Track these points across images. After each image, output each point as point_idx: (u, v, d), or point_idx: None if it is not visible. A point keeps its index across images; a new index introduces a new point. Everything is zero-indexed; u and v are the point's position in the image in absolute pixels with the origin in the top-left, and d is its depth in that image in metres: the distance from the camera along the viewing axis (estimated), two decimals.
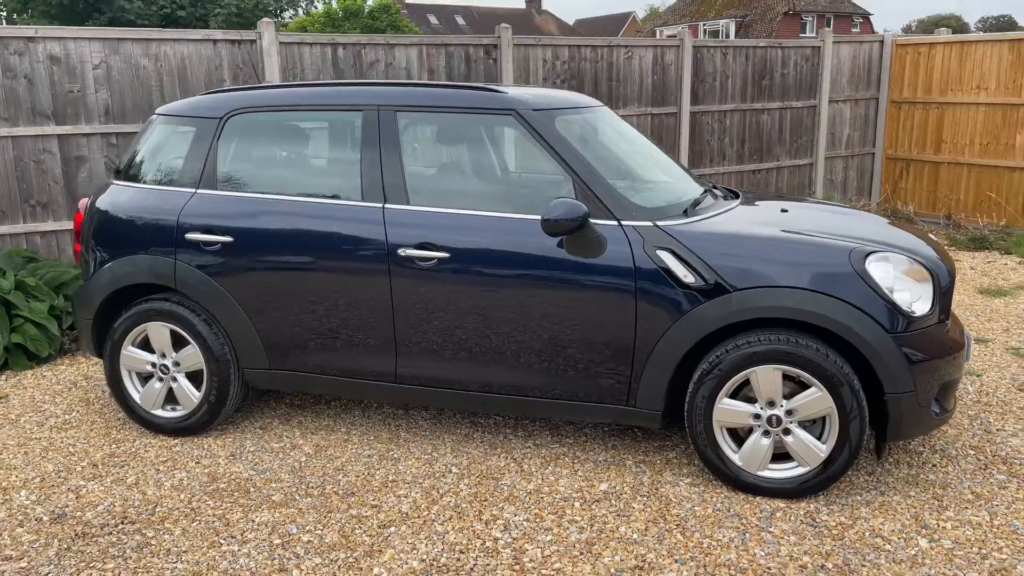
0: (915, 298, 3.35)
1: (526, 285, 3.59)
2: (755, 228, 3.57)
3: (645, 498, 3.50)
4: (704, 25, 43.75)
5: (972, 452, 3.89)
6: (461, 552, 3.13)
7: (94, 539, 3.27)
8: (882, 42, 9.84)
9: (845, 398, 3.30)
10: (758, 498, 3.47)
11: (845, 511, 3.37)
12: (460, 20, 51.35)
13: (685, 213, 3.67)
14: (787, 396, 3.41)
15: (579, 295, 3.53)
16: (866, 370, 3.40)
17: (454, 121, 3.94)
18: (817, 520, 3.31)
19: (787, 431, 3.42)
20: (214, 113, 4.07)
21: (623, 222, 3.52)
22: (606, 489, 3.59)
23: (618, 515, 3.38)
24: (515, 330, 3.65)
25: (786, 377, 3.39)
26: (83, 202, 4.35)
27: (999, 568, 2.98)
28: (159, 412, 4.19)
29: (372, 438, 4.14)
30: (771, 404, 3.42)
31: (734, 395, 3.47)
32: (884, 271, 3.33)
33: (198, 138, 4.08)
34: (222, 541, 3.24)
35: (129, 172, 4.28)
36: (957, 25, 50.06)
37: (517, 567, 3.03)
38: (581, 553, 3.11)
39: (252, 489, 3.65)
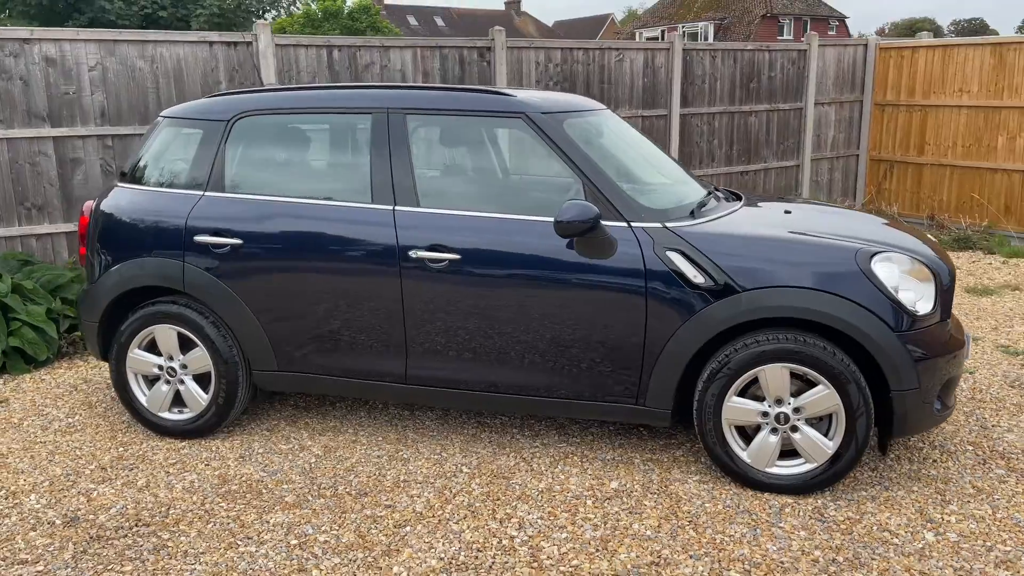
0: (918, 297, 3.43)
1: (536, 286, 3.63)
2: (762, 229, 3.64)
3: (656, 495, 3.56)
4: (683, 27, 44.04)
5: (970, 448, 3.98)
6: (479, 550, 3.17)
7: (109, 542, 3.27)
8: (866, 45, 9.99)
9: (852, 395, 3.38)
10: (766, 494, 3.54)
11: (852, 506, 3.44)
12: (439, 21, 51.34)
13: (692, 215, 3.73)
14: (794, 394, 3.48)
15: (590, 296, 3.58)
16: (870, 368, 3.48)
17: (464, 124, 3.98)
18: (825, 515, 3.38)
19: (795, 428, 3.49)
20: (222, 116, 4.08)
21: (633, 223, 3.58)
22: (617, 487, 3.64)
23: (630, 512, 3.43)
24: (524, 330, 3.69)
25: (793, 375, 3.46)
26: (87, 205, 4.33)
27: (1004, 560, 3.06)
28: (166, 415, 4.18)
29: (380, 439, 4.17)
30: (779, 402, 3.48)
31: (742, 393, 3.53)
32: (889, 271, 3.41)
33: (205, 140, 4.08)
34: (239, 542, 3.26)
35: (134, 175, 4.28)
36: (931, 28, 50.74)
37: (535, 564, 3.07)
38: (597, 550, 3.16)
39: (264, 491, 3.66)
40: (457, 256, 3.68)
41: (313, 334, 3.93)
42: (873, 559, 3.07)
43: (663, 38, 42.61)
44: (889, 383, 3.38)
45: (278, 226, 3.89)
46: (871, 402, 3.41)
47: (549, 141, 3.71)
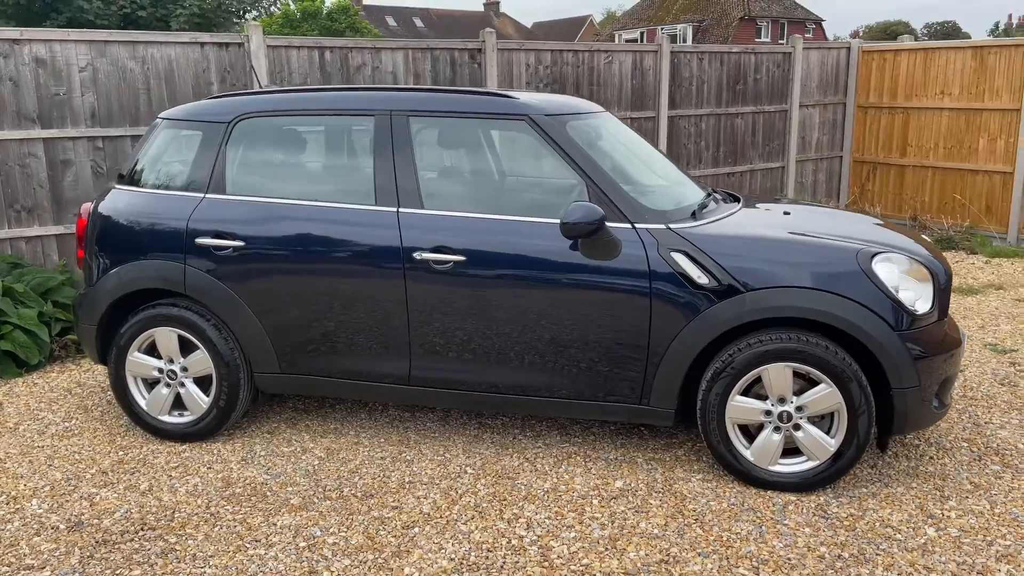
0: (917, 296, 3.49)
1: (539, 287, 3.65)
2: (764, 230, 3.69)
3: (661, 494, 3.59)
4: (662, 29, 44.27)
5: (965, 444, 4.06)
6: (489, 550, 3.19)
7: (116, 546, 3.25)
8: (849, 48, 10.11)
9: (854, 394, 3.43)
10: (769, 492, 3.58)
11: (854, 503, 3.50)
12: (418, 22, 51.26)
13: (693, 216, 3.77)
14: (797, 393, 3.53)
15: (594, 297, 3.60)
16: (870, 366, 3.54)
17: (467, 126, 3.99)
18: (828, 512, 3.43)
19: (797, 427, 3.53)
20: (222, 117, 4.06)
21: (637, 225, 3.61)
22: (622, 486, 3.67)
23: (636, 511, 3.46)
24: (528, 331, 3.71)
25: (795, 374, 3.50)
26: (85, 207, 4.30)
27: (1005, 554, 3.13)
28: (166, 418, 4.16)
29: (382, 440, 4.17)
30: (782, 400, 3.53)
31: (745, 392, 3.57)
32: (889, 271, 3.47)
33: (206, 142, 4.07)
34: (247, 545, 3.25)
35: (132, 177, 4.25)
36: (906, 31, 51.40)
37: (546, 564, 3.09)
38: (606, 549, 3.18)
39: (269, 493, 3.66)
40: (462, 257, 3.69)
41: (316, 336, 3.93)
42: (878, 555, 3.12)
43: (642, 40, 42.84)
44: (890, 381, 3.43)
45: (281, 228, 3.88)
46: (872, 400, 3.46)
47: (553, 143, 3.73)
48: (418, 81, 7.09)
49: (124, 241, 4.09)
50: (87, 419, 4.49)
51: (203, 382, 4.11)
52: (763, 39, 42.87)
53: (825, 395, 3.46)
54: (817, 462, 3.55)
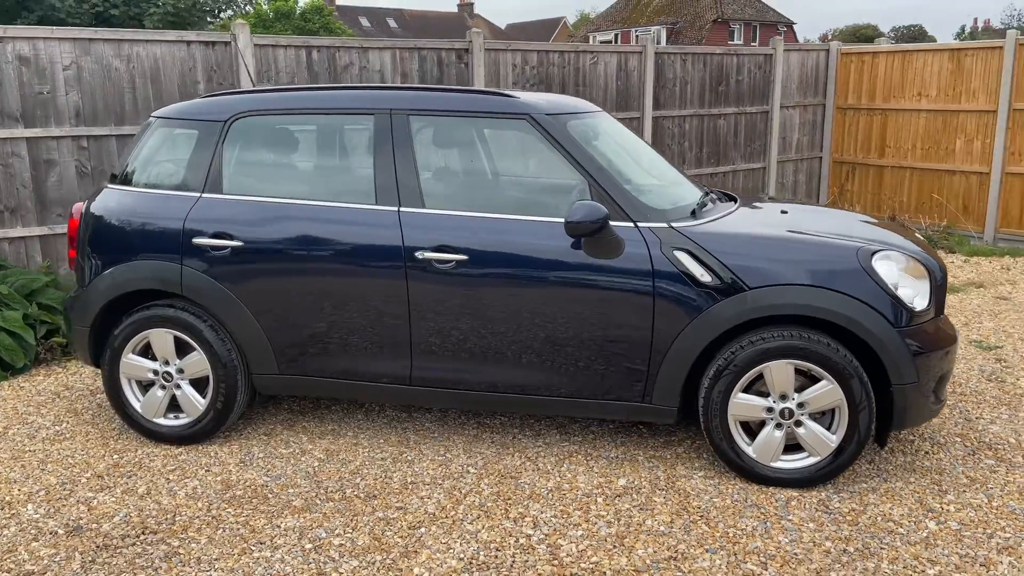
0: (915, 294, 3.54)
1: (543, 286, 3.65)
2: (764, 229, 3.72)
3: (664, 492, 3.61)
4: (636, 31, 44.51)
5: (959, 439, 4.12)
6: (497, 550, 3.18)
7: (118, 550, 3.20)
8: (828, 51, 10.24)
9: (854, 390, 3.47)
10: (771, 488, 3.61)
11: (855, 498, 3.54)
12: (392, 23, 51.08)
13: (693, 215, 3.79)
14: (798, 389, 3.56)
15: (597, 296, 3.61)
16: (870, 363, 3.58)
17: (467, 125, 3.98)
18: (830, 507, 3.46)
19: (799, 423, 3.57)
20: (218, 116, 4.02)
21: (639, 224, 3.62)
22: (625, 484, 3.68)
23: (641, 509, 3.47)
24: (529, 330, 3.71)
25: (797, 371, 3.54)
26: (77, 207, 4.23)
27: (1006, 546, 3.18)
28: (161, 420, 4.10)
29: (382, 441, 4.14)
30: (783, 397, 3.56)
31: (747, 390, 3.60)
32: (889, 268, 3.51)
33: (201, 141, 4.02)
34: (252, 548, 3.22)
35: (125, 176, 4.19)
36: (875, 34, 52.06)
37: (556, 562, 3.09)
38: (614, 546, 3.19)
39: (270, 495, 3.62)
40: (464, 257, 3.68)
41: (315, 336, 3.89)
42: (882, 548, 3.16)
43: (617, 42, 43.02)
44: (890, 377, 3.48)
45: (279, 228, 3.84)
46: (872, 396, 3.50)
47: (554, 142, 3.74)
48: (405, 80, 7.07)
49: (118, 241, 4.03)
50: (78, 422, 4.42)
51: (199, 384, 4.06)
52: (736, 41, 43.27)
53: (826, 392, 3.50)
54: (819, 458, 3.58)
